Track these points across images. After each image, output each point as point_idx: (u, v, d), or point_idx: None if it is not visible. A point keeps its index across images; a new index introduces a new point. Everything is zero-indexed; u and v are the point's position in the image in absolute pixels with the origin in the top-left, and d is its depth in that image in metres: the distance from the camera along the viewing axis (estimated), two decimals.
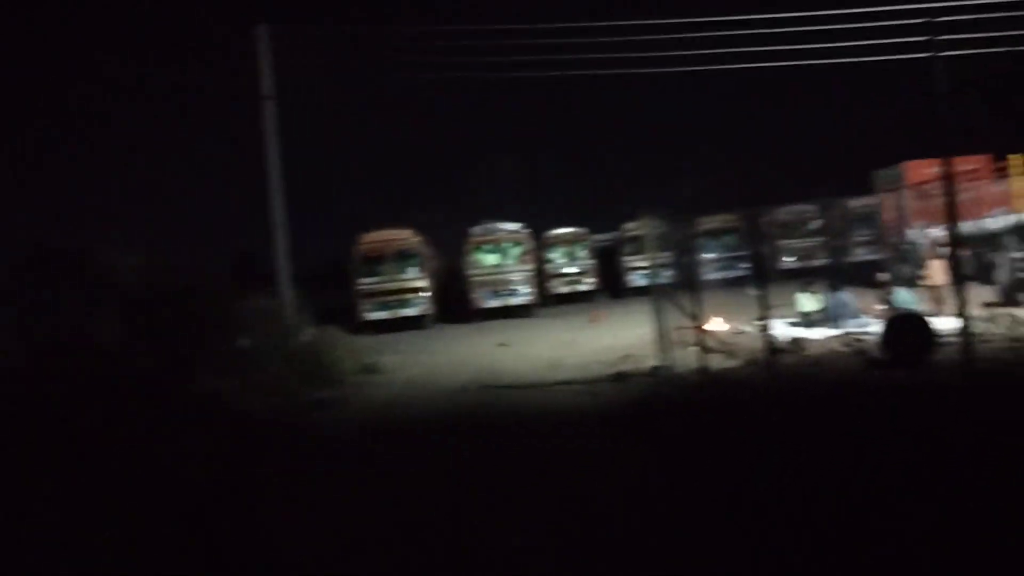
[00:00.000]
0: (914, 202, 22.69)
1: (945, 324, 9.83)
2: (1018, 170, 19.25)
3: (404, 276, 25.48)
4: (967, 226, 19.12)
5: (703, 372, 10.07)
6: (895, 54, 21.74)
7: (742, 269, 29.80)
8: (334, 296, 28.52)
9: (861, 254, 28.92)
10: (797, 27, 21.39)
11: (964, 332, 10.81)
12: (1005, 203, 19.22)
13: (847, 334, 11.92)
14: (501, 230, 28.42)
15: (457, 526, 5.65)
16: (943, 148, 9.66)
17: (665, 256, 12.51)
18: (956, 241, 9.48)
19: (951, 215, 8.90)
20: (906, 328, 9.24)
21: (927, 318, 9.59)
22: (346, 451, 8.64)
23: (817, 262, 31.62)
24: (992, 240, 18.70)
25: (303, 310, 18.00)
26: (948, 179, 18.60)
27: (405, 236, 26.26)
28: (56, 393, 8.47)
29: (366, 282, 25.26)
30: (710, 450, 6.55)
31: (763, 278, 33.11)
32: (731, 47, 21.40)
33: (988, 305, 13.52)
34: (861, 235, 29.25)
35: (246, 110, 18.72)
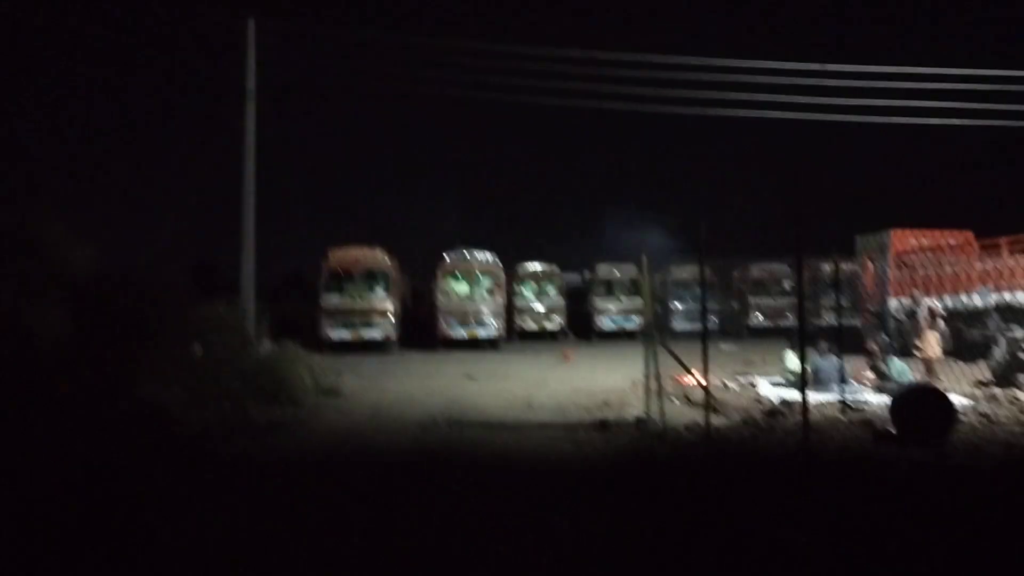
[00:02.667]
0: (896, 271, 22.45)
1: (953, 400, 9.24)
2: (1004, 249, 19.05)
3: (371, 296, 24.62)
4: (951, 302, 18.90)
5: (697, 430, 9.35)
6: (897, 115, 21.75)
7: (712, 322, 29.52)
8: (294, 310, 27.49)
9: (833, 318, 28.74)
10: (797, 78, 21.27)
11: (976, 411, 10.43)
12: (989, 280, 19.00)
13: (841, 401, 11.31)
14: (473, 259, 27.73)
15: None
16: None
17: (649, 302, 11.86)
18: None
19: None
20: (922, 403, 8.61)
21: (946, 394, 8.97)
22: (286, 488, 7.55)
23: (787, 322, 31.49)
24: (976, 317, 18.44)
25: (262, 322, 17.06)
26: (934, 251, 18.29)
27: (375, 255, 25.45)
28: None
29: (330, 299, 24.34)
30: (727, 528, 5.76)
31: (738, 333, 32.80)
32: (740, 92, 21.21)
33: (982, 384, 13.05)
34: (837, 300, 29.01)
35: (224, 108, 17.91)
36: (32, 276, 10.32)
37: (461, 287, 27.33)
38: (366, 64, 19.38)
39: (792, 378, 13.60)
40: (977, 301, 18.95)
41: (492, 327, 26.41)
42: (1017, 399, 11.16)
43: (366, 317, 24.27)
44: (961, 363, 14.86)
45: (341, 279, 24.81)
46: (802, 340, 7.04)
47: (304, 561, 5.39)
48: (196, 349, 12.22)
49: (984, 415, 10.27)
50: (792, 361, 13.75)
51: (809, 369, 13.34)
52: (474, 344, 26.23)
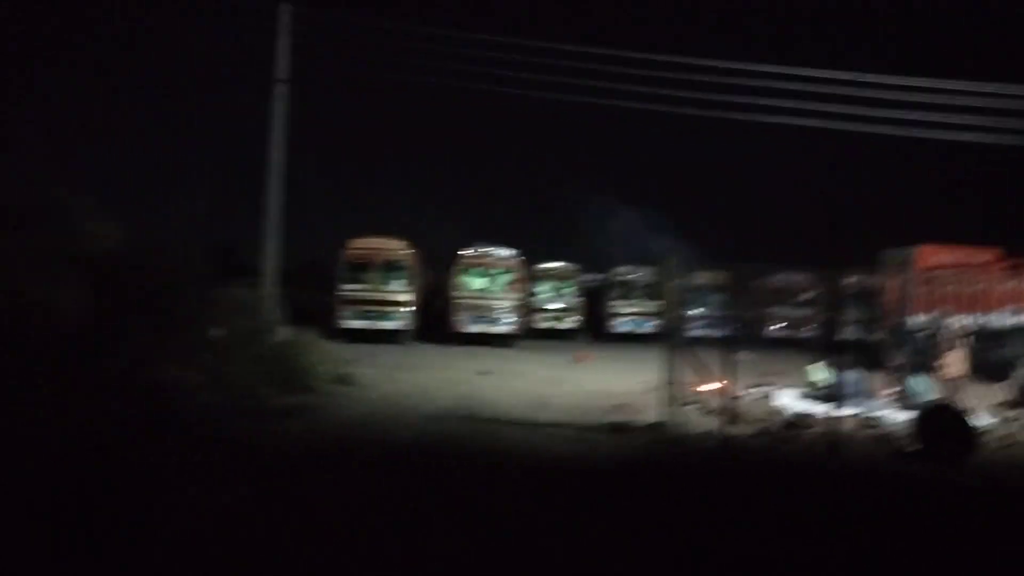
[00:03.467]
0: (921, 287, 22.14)
1: (976, 420, 9.06)
2: None
3: (389, 287, 24.55)
4: (976, 320, 18.62)
5: (714, 438, 9.22)
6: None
7: (729, 330, 29.19)
8: (311, 298, 27.47)
9: (853, 332, 28.41)
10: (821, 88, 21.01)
11: (999, 431, 10.24)
12: (1016, 301, 18.72)
13: (862, 415, 11.13)
14: (493, 254, 27.59)
15: None
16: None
17: (669, 306, 11.71)
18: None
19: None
20: (944, 421, 8.44)
21: (965, 413, 8.79)
22: (293, 472, 7.51)
23: (808, 334, 31.16)
24: (998, 337, 18.15)
25: (279, 308, 17.04)
26: (959, 269, 18.05)
27: (395, 246, 25.36)
28: None
29: (349, 288, 24.29)
30: (743, 536, 5.64)
31: (755, 343, 32.57)
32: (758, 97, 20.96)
33: (1004, 404, 12.83)
34: (858, 314, 28.71)
35: (251, 91, 17.89)
36: (54, 251, 10.31)
37: (478, 282, 27.21)
38: (395, 54, 19.26)
39: (814, 390, 13.42)
40: (1000, 321, 18.67)
41: (508, 324, 26.27)
42: None
43: (383, 308, 24.20)
44: (983, 382, 14.63)
45: (360, 269, 24.74)
46: (830, 352, 6.89)
47: (306, 546, 5.32)
48: (214, 332, 12.20)
49: (1007, 435, 10.09)
50: (815, 374, 13.57)
51: (831, 383, 13.20)
52: (489, 340, 26.10)
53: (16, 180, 12.29)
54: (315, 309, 25.54)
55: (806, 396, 13.51)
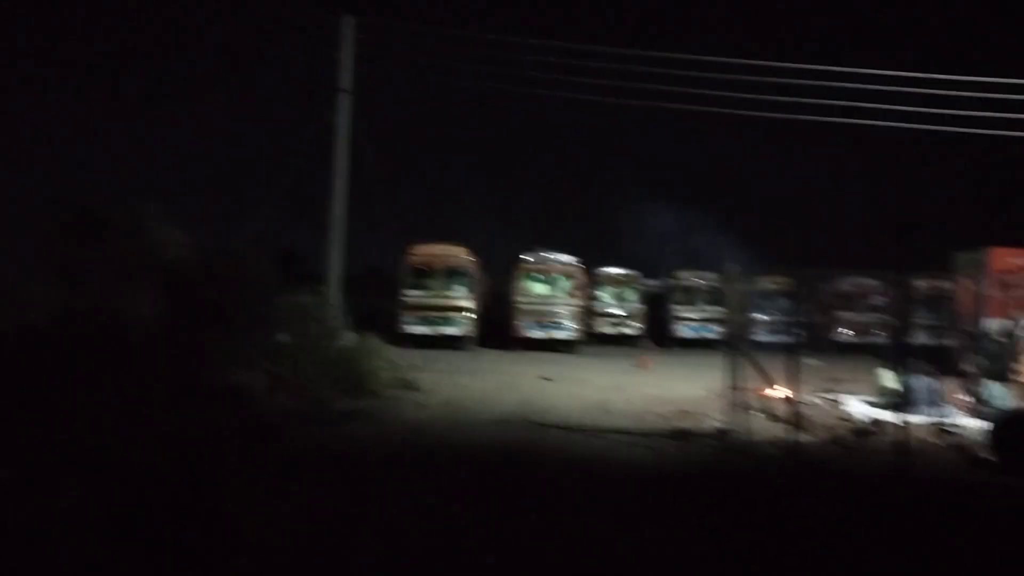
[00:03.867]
0: (995, 291, 21.39)
1: None
2: None
3: (451, 293, 24.76)
4: None
5: (781, 445, 9.05)
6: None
7: (795, 335, 28.66)
8: (374, 303, 27.83)
9: (925, 338, 27.62)
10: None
11: None
12: None
13: (935, 423, 10.80)
14: (554, 260, 27.60)
15: None
16: None
17: (732, 311, 11.52)
18: None
19: None
20: (1022, 430, 8.13)
21: None
22: (359, 475, 7.58)
23: (876, 339, 30.40)
24: None
25: (344, 314, 17.31)
26: None
27: (457, 253, 25.58)
28: (73, 361, 7.74)
29: (411, 294, 24.57)
30: (815, 548, 5.52)
31: (822, 348, 31.89)
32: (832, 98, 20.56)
33: None
34: (929, 318, 27.89)
35: (316, 102, 18.26)
36: (127, 259, 10.66)
37: (540, 288, 27.25)
38: (457, 62, 19.45)
39: (885, 397, 13.08)
40: None
41: (569, 330, 26.25)
42: None
43: (445, 313, 24.41)
44: None
45: (422, 275, 25.01)
46: (900, 358, 6.71)
47: (372, 550, 5.39)
48: (282, 337, 12.46)
49: None
50: (886, 379, 13.23)
51: (902, 389, 12.83)
52: (551, 346, 26.11)
53: (92, 190, 12.77)
54: (379, 315, 25.86)
55: (876, 403, 13.18)
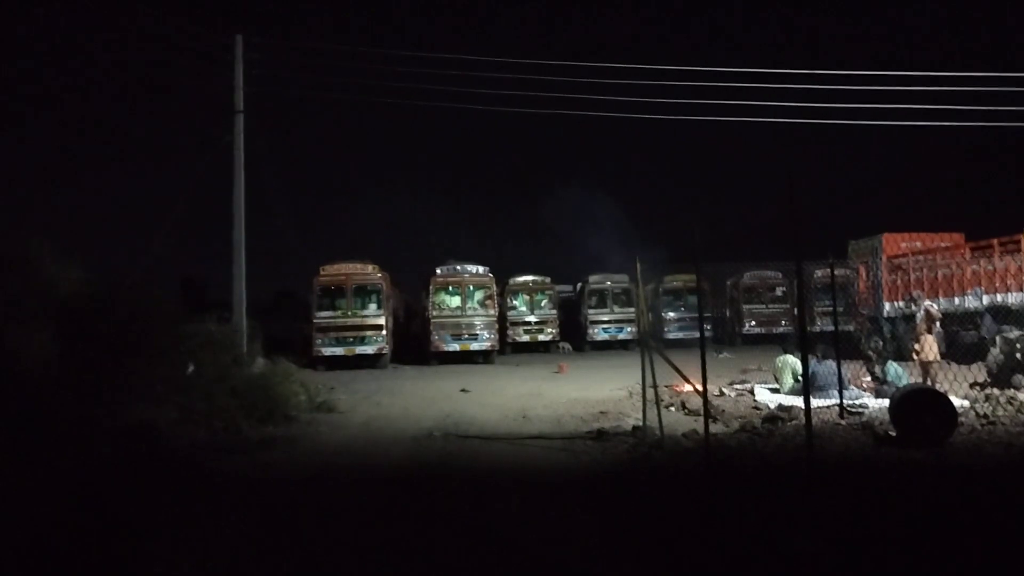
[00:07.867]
0: (889, 275, 22.46)
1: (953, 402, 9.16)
2: (996, 250, 19.06)
3: (363, 312, 24.53)
4: (944, 303, 18.88)
5: (695, 437, 9.26)
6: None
7: (705, 331, 29.38)
8: (286, 327, 27.34)
9: (826, 324, 28.75)
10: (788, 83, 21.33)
11: (975, 412, 10.38)
12: (982, 282, 19.01)
13: (840, 405, 11.23)
14: (466, 272, 27.65)
15: None
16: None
17: (643, 311, 11.74)
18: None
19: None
20: (922, 405, 8.53)
21: (941, 396, 8.90)
22: (279, 505, 7.35)
23: (781, 329, 31.50)
24: (969, 319, 18.42)
25: (254, 339, 16.93)
26: (926, 254, 18.32)
27: (366, 270, 25.36)
28: None
29: (323, 315, 24.23)
30: (731, 536, 5.66)
31: (731, 341, 32.80)
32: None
33: (978, 385, 12.99)
34: (829, 305, 29.03)
35: (212, 123, 17.80)
36: (18, 296, 10.16)
37: (453, 300, 27.26)
38: (350, 77, 19.30)
39: (789, 383, 13.53)
40: (970, 303, 18.96)
41: (485, 340, 26.34)
42: (1014, 399, 11.10)
43: (359, 332, 24.17)
44: (957, 365, 14.81)
45: (333, 295, 24.73)
46: (804, 344, 6.95)
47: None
48: (188, 367, 12.07)
49: (983, 416, 10.22)
50: (789, 367, 13.69)
51: (808, 375, 13.29)
52: (468, 357, 26.13)
53: None
54: (293, 339, 25.42)
55: (783, 390, 13.63)
